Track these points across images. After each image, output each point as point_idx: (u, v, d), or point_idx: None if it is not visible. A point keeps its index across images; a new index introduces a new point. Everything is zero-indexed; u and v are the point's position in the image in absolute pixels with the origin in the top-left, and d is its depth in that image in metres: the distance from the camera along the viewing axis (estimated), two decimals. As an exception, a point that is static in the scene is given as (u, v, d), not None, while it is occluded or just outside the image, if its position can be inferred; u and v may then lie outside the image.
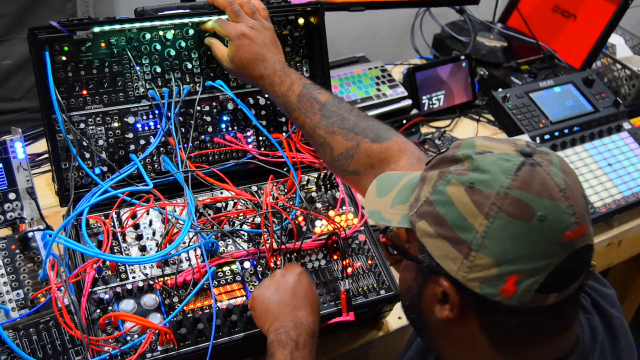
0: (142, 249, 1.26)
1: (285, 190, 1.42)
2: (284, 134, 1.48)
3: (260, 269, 1.29)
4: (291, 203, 1.39)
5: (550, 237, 0.81)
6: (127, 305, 1.18)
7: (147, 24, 1.36)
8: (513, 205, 0.81)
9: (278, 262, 1.30)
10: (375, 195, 1.03)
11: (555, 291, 0.83)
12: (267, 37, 1.34)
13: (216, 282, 1.25)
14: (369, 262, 1.37)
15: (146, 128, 1.38)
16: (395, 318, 1.45)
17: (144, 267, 1.24)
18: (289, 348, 1.08)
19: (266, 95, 1.48)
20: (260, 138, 1.49)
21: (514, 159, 0.84)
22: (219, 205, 1.35)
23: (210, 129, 1.44)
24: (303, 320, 1.13)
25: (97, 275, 1.20)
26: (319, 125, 1.24)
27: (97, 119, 1.34)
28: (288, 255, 1.31)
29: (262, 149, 1.48)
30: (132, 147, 1.37)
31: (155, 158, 1.39)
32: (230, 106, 1.46)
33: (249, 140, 1.48)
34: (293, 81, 1.28)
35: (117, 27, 1.33)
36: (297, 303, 1.15)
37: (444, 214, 0.85)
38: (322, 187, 1.46)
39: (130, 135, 1.37)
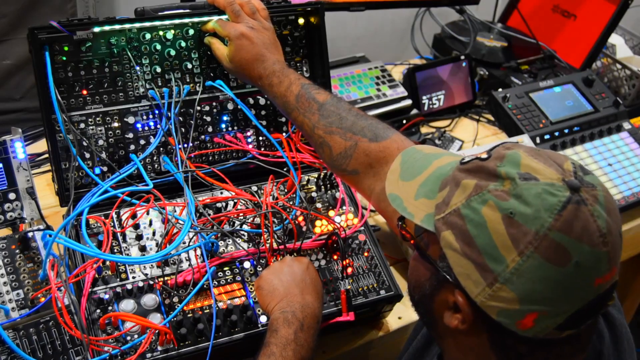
0: (142, 249, 1.26)
1: (285, 190, 1.42)
2: (284, 134, 1.48)
3: (260, 269, 1.29)
4: (291, 203, 1.39)
5: (581, 283, 0.79)
6: (127, 305, 1.18)
7: (147, 24, 1.36)
8: (550, 248, 0.77)
9: (278, 262, 1.31)
10: (399, 176, 0.99)
11: (572, 329, 0.82)
12: (266, 37, 1.34)
13: (216, 282, 1.25)
14: (369, 262, 1.37)
15: (146, 128, 1.38)
16: (395, 318, 1.45)
17: (144, 267, 1.24)
18: (294, 327, 1.09)
19: (266, 95, 1.48)
20: (260, 138, 1.49)
21: (559, 194, 0.78)
22: (219, 205, 1.35)
23: (210, 129, 1.44)
24: (310, 304, 1.14)
25: (97, 275, 1.20)
26: (318, 125, 1.23)
27: (97, 119, 1.34)
28: (288, 255, 1.31)
29: (262, 149, 1.48)
30: (132, 147, 1.37)
31: (155, 158, 1.39)
32: (230, 106, 1.46)
33: (249, 140, 1.48)
34: (291, 81, 1.28)
35: (117, 27, 1.33)
36: (304, 287, 1.17)
37: (474, 235, 0.81)
38: (322, 187, 1.46)
39: (130, 135, 1.37)
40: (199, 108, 1.42)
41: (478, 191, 0.82)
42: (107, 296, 1.18)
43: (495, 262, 0.80)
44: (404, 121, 2.06)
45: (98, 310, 1.16)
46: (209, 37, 1.39)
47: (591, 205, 0.79)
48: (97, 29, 1.31)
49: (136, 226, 1.28)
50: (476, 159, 0.87)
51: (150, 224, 1.30)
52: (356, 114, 1.24)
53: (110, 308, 1.17)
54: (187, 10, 1.40)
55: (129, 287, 1.20)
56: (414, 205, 0.92)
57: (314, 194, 1.43)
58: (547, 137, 1.97)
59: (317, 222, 1.38)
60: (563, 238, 0.77)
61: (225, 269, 1.28)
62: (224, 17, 1.37)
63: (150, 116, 1.39)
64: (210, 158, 1.44)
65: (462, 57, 2.20)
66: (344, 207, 1.43)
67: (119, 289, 1.19)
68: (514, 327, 0.81)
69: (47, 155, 1.52)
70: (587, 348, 0.90)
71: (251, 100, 1.47)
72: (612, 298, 0.85)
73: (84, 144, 1.32)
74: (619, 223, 0.83)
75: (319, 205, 1.43)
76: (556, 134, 1.99)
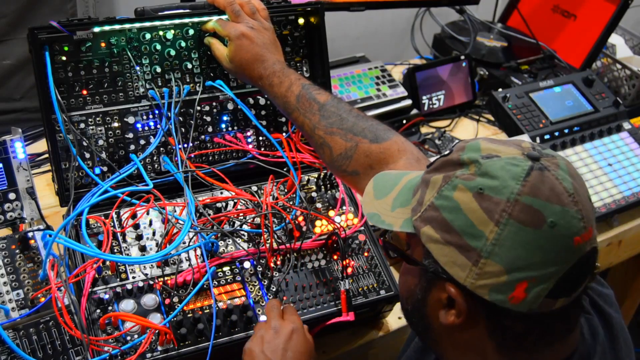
0: (142, 249, 1.26)
1: (285, 190, 1.42)
2: (284, 134, 1.48)
3: (260, 268, 1.29)
4: (291, 203, 1.39)
5: (561, 243, 0.81)
6: (127, 305, 1.18)
7: (147, 24, 1.36)
8: (524, 212, 0.80)
9: (278, 262, 1.30)
10: (373, 196, 1.02)
11: (564, 296, 0.83)
12: (266, 37, 1.33)
13: (216, 282, 1.25)
14: (369, 262, 1.37)
15: (146, 128, 1.38)
16: (395, 318, 1.45)
17: (144, 267, 1.24)
18: None
19: (266, 95, 1.48)
20: (260, 138, 1.49)
21: (522, 164, 0.82)
22: (219, 205, 1.35)
23: (210, 129, 1.44)
24: None
25: (97, 275, 1.20)
26: (318, 126, 1.23)
27: (97, 119, 1.34)
28: (288, 255, 1.31)
29: (262, 149, 1.48)
30: (132, 147, 1.37)
31: (155, 158, 1.39)
32: (230, 106, 1.46)
33: (249, 140, 1.48)
34: (292, 82, 1.27)
35: (117, 27, 1.33)
36: None
37: (451, 220, 0.84)
38: (322, 187, 1.46)
39: (130, 135, 1.37)
40: (199, 108, 1.42)
41: (447, 181, 0.86)
42: (107, 296, 1.18)
43: (475, 238, 0.82)
44: (404, 121, 2.06)
45: (98, 310, 1.16)
46: (209, 37, 1.39)
47: (554, 170, 0.83)
48: (97, 29, 1.31)
49: (136, 226, 1.28)
50: (440, 157, 0.91)
51: (150, 224, 1.30)
52: (357, 115, 1.24)
53: (110, 308, 1.17)
54: (187, 10, 1.40)
55: (129, 287, 1.20)
56: (391, 217, 0.95)
57: (314, 194, 1.43)
58: (547, 137, 1.97)
59: (317, 222, 1.38)
60: (533, 201, 0.80)
61: (225, 269, 1.28)
62: (224, 17, 1.37)
63: (150, 116, 1.39)
64: (210, 158, 1.44)
65: (462, 57, 2.20)
66: (344, 207, 1.43)
67: (119, 289, 1.19)
68: (508, 304, 0.82)
69: (47, 155, 1.52)
70: (576, 329, 0.92)
71: (251, 100, 1.47)
72: (596, 267, 0.87)
73: (84, 144, 1.32)
74: (585, 187, 0.86)
75: (319, 205, 1.43)
76: (556, 134, 1.99)
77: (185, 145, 1.40)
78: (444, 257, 0.85)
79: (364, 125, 1.21)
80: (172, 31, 1.38)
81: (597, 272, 0.88)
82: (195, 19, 1.39)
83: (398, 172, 1.06)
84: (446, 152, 0.91)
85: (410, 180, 0.97)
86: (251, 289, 1.27)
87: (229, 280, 1.27)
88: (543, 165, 0.83)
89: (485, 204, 0.82)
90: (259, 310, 1.24)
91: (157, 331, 1.14)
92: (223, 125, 1.45)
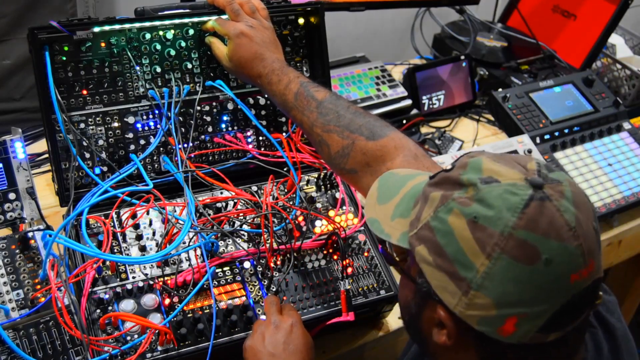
0: (142, 249, 1.26)
1: (285, 190, 1.42)
2: (284, 133, 1.48)
3: (260, 269, 1.29)
4: (291, 203, 1.39)
5: (556, 281, 0.77)
6: (127, 305, 1.18)
7: (147, 24, 1.36)
8: (517, 247, 0.76)
9: (278, 262, 1.30)
10: (376, 200, 1.00)
11: (556, 331, 0.80)
12: (266, 36, 1.33)
13: (216, 282, 1.25)
14: (369, 262, 1.37)
15: (146, 128, 1.38)
16: (395, 318, 1.45)
17: (144, 267, 1.24)
18: None
19: (266, 95, 1.48)
20: (260, 138, 1.49)
21: (521, 193, 0.78)
22: (219, 205, 1.35)
23: (210, 129, 1.44)
24: None
25: (97, 275, 1.20)
26: (316, 124, 1.22)
27: (97, 119, 1.34)
28: (288, 255, 1.31)
29: (262, 149, 1.48)
30: (132, 147, 1.37)
31: (155, 158, 1.39)
32: (230, 106, 1.46)
33: (249, 140, 1.48)
34: (290, 79, 1.27)
35: (117, 27, 1.33)
36: (286, 358, 1.11)
37: (443, 244, 0.81)
38: (322, 187, 1.46)
39: (130, 135, 1.37)
40: (199, 108, 1.42)
41: (444, 201, 0.82)
42: (107, 296, 1.18)
43: (466, 269, 0.79)
44: (404, 121, 2.06)
45: (98, 310, 1.16)
46: (209, 37, 1.39)
47: (556, 200, 0.78)
48: (97, 29, 1.31)
49: (136, 226, 1.28)
50: (442, 171, 0.88)
51: (150, 224, 1.30)
52: (354, 112, 1.22)
53: (110, 308, 1.17)
54: (187, 10, 1.40)
55: (129, 287, 1.20)
56: (390, 226, 0.93)
57: (314, 194, 1.43)
58: (547, 137, 1.97)
59: (317, 222, 1.38)
60: (529, 235, 0.76)
61: (225, 269, 1.28)
62: (224, 16, 1.37)
63: (150, 116, 1.39)
64: (210, 158, 1.44)
65: (462, 57, 2.20)
66: (344, 207, 1.43)
67: (119, 289, 1.19)
68: (497, 335, 0.80)
69: (47, 155, 1.52)
70: (577, 353, 0.88)
71: (251, 100, 1.47)
72: (598, 297, 0.83)
73: (84, 144, 1.32)
74: (591, 216, 0.81)
75: (319, 205, 1.43)
76: (556, 134, 1.99)
77: (185, 145, 1.40)
78: (435, 281, 0.83)
79: (360, 122, 1.20)
80: (172, 31, 1.38)
81: (599, 303, 0.84)
82: (195, 19, 1.39)
83: (405, 174, 1.03)
84: (448, 167, 0.88)
85: (414, 186, 0.95)
86: (251, 289, 1.27)
87: (229, 280, 1.27)
88: (545, 195, 0.78)
89: (479, 234, 0.78)
90: (259, 310, 1.24)
91: (157, 331, 1.14)
92: (223, 125, 1.45)
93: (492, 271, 0.78)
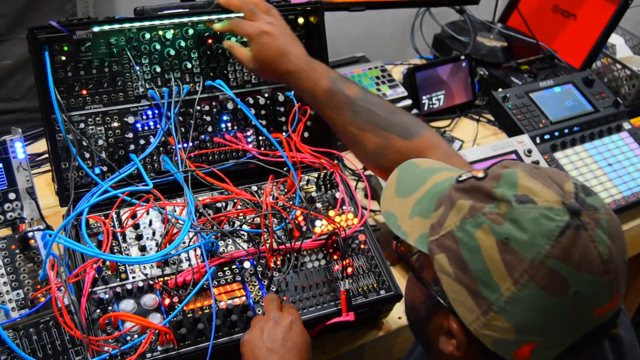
0: (142, 249, 1.26)
1: (285, 190, 1.42)
2: (283, 133, 1.48)
3: (260, 269, 1.29)
4: (291, 203, 1.39)
5: (580, 314, 0.76)
6: (127, 305, 1.18)
7: (147, 23, 1.36)
8: (547, 276, 0.74)
9: (278, 262, 1.30)
10: (395, 192, 0.96)
11: (571, 357, 0.79)
12: (286, 31, 1.29)
13: (216, 282, 1.25)
14: (369, 262, 1.37)
15: (146, 128, 1.38)
16: (395, 318, 1.45)
17: (144, 267, 1.23)
18: None
19: (266, 95, 1.48)
20: (260, 138, 1.49)
21: (558, 219, 0.75)
22: (219, 205, 1.35)
23: (210, 129, 1.44)
24: None
25: (97, 275, 1.20)
26: (349, 122, 1.20)
27: (97, 118, 1.34)
28: (288, 255, 1.31)
29: (262, 149, 1.48)
30: (132, 147, 1.37)
31: (155, 158, 1.39)
32: (230, 106, 1.45)
33: (249, 140, 1.48)
34: (319, 75, 1.23)
35: (116, 26, 1.33)
36: (285, 354, 1.10)
37: (468, 260, 0.78)
38: (322, 187, 1.46)
39: (130, 135, 1.37)
40: (198, 108, 1.42)
41: (473, 213, 0.79)
42: (107, 296, 1.18)
43: (490, 289, 0.77)
44: (404, 121, 2.05)
45: (98, 310, 1.16)
46: (226, 41, 1.36)
47: (592, 230, 0.75)
48: (96, 29, 1.31)
49: (136, 226, 1.28)
50: (472, 177, 0.84)
51: (150, 224, 1.30)
52: (388, 110, 1.21)
53: (110, 308, 1.17)
54: (187, 10, 1.40)
55: (129, 287, 1.20)
56: (408, 225, 0.90)
57: (314, 194, 1.43)
58: (547, 137, 1.97)
59: (317, 222, 1.38)
60: (561, 266, 0.74)
61: (225, 269, 1.28)
62: (232, 15, 1.35)
63: (150, 116, 1.38)
64: (210, 158, 1.44)
65: (462, 57, 2.20)
66: (344, 207, 1.43)
67: (119, 289, 1.19)
68: (510, 357, 0.79)
69: (47, 155, 1.52)
70: None
71: (251, 100, 1.47)
72: (615, 326, 0.82)
73: (84, 143, 1.32)
74: (624, 248, 0.79)
75: (319, 205, 1.42)
76: (556, 134, 1.99)
77: (185, 145, 1.40)
78: (453, 294, 0.81)
79: (394, 121, 1.19)
80: (172, 31, 1.38)
81: (616, 331, 0.83)
82: (195, 19, 1.39)
83: (427, 167, 0.99)
84: (480, 175, 0.84)
85: (437, 184, 0.91)
86: (251, 289, 1.27)
87: (229, 280, 1.27)
88: (581, 223, 0.75)
89: (508, 257, 0.75)
90: (258, 310, 1.24)
91: (157, 331, 1.14)
92: (223, 125, 1.45)
93: (518, 297, 0.75)
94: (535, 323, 0.76)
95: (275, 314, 1.15)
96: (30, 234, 1.25)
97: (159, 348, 1.15)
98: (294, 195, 1.40)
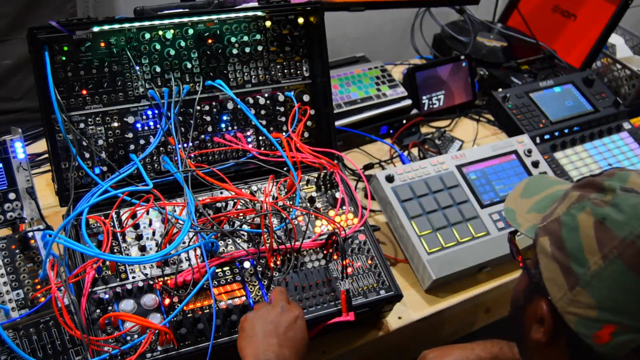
0: (142, 249, 1.26)
1: (285, 190, 1.42)
2: (283, 133, 1.48)
3: (260, 268, 1.29)
4: (291, 203, 1.39)
5: None
6: (127, 305, 1.18)
7: (147, 23, 1.36)
8: (635, 256, 0.78)
9: (278, 262, 1.30)
10: (520, 194, 1.04)
11: None
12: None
13: (216, 282, 1.25)
14: (369, 262, 1.37)
15: (146, 128, 1.38)
16: (395, 318, 1.45)
17: (144, 267, 1.23)
18: None
19: (266, 95, 1.48)
20: (260, 138, 1.49)
21: None
22: (218, 205, 1.35)
23: (210, 129, 1.44)
24: (286, 358, 1.09)
25: (97, 275, 1.20)
26: None
27: (97, 118, 1.34)
28: (288, 255, 1.31)
29: (262, 149, 1.48)
30: (132, 146, 1.37)
31: (155, 158, 1.39)
32: (230, 106, 1.45)
33: (249, 139, 1.48)
34: None
35: (116, 26, 1.33)
36: (284, 340, 1.10)
37: (565, 239, 0.84)
38: (322, 187, 1.46)
39: (130, 135, 1.37)
40: (198, 108, 1.42)
41: (579, 200, 0.86)
42: (107, 296, 1.18)
43: (579, 264, 0.81)
44: (404, 121, 2.05)
45: (98, 310, 1.16)
46: None
47: None
48: (96, 29, 1.31)
49: (136, 226, 1.28)
50: (591, 175, 0.91)
51: (150, 223, 1.30)
52: None
53: (110, 308, 1.17)
54: (187, 10, 1.40)
55: (129, 287, 1.20)
56: (524, 218, 0.97)
57: (314, 194, 1.43)
58: (547, 137, 1.97)
59: (317, 222, 1.38)
60: None
61: (225, 269, 1.28)
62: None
63: (150, 116, 1.38)
64: (210, 158, 1.44)
65: (462, 57, 2.20)
66: (344, 207, 1.43)
67: (118, 289, 1.19)
68: (591, 340, 0.81)
69: (47, 155, 1.52)
70: None
71: (251, 100, 1.47)
72: None
73: (84, 143, 1.32)
74: None
75: (319, 205, 1.42)
76: (556, 134, 1.99)
77: (185, 145, 1.40)
78: (547, 272, 0.86)
79: None
80: (172, 31, 1.38)
81: None
82: (195, 19, 1.39)
83: (555, 179, 1.07)
84: (598, 172, 0.91)
85: (559, 190, 0.97)
86: (251, 289, 1.27)
87: (229, 280, 1.27)
88: None
89: (601, 234, 0.80)
90: (259, 310, 1.24)
91: (157, 331, 1.14)
92: (223, 125, 1.45)
93: (604, 272, 0.79)
94: (618, 302, 0.79)
95: (283, 304, 1.17)
96: (30, 234, 1.25)
97: (159, 348, 1.15)
98: (294, 195, 1.40)
